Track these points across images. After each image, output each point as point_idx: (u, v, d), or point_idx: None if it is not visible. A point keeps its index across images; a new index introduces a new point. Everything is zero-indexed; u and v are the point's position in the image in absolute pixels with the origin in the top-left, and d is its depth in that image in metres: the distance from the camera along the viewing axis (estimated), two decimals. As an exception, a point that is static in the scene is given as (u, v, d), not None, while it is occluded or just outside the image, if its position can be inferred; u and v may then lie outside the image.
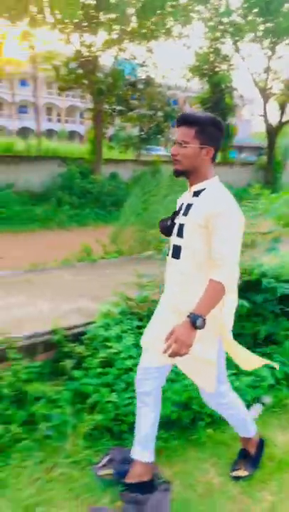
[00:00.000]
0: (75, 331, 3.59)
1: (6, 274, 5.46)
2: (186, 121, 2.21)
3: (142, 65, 17.22)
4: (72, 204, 14.21)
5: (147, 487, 2.41)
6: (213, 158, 2.26)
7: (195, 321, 2.04)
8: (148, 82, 17.88)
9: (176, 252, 2.28)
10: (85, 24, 13.76)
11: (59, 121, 45.49)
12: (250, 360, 2.48)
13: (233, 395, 2.56)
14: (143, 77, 18.00)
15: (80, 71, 15.32)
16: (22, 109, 44.09)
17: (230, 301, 2.32)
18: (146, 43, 16.07)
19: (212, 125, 2.21)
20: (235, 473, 2.63)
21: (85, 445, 2.72)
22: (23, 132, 36.20)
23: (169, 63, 48.71)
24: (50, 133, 37.52)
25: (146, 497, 2.33)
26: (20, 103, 43.35)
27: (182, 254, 2.26)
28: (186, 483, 2.56)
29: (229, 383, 2.56)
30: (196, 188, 2.27)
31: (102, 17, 14.09)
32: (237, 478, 2.61)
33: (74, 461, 2.62)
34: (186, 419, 2.93)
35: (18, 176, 14.82)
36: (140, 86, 17.86)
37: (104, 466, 2.61)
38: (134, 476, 2.46)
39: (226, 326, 2.34)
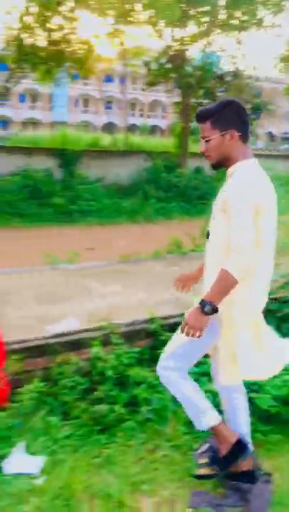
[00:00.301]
0: (171, 320, 3.67)
1: (100, 265, 5.71)
2: (200, 117, 2.25)
3: (232, 57, 16.87)
4: (158, 198, 14.42)
5: (249, 476, 2.42)
6: (243, 139, 2.24)
7: (204, 307, 2.07)
8: (236, 74, 17.53)
9: (208, 233, 2.32)
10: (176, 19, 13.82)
11: (141, 115, 45.99)
12: (231, 373, 2.36)
13: (176, 376, 2.34)
14: (231, 70, 17.68)
15: (169, 65, 15.42)
16: (107, 104, 45.19)
17: (244, 294, 2.18)
18: (237, 34, 15.79)
19: (224, 109, 2.21)
20: (198, 472, 2.40)
21: (185, 431, 2.79)
22: (108, 127, 37.13)
23: (258, 54, 47.28)
24: (132, 127, 38.11)
25: (249, 487, 2.35)
26: (106, 99, 44.42)
27: (211, 236, 2.29)
28: (286, 477, 2.54)
29: (187, 369, 2.38)
30: (229, 171, 2.27)
31: (192, 10, 14.08)
32: (200, 477, 2.38)
33: (175, 445, 2.72)
34: (287, 414, 2.91)
35: (106, 170, 15.29)
36: (228, 78, 17.56)
37: (203, 453, 2.66)
38: (234, 466, 2.48)
39: (236, 321, 2.21)
